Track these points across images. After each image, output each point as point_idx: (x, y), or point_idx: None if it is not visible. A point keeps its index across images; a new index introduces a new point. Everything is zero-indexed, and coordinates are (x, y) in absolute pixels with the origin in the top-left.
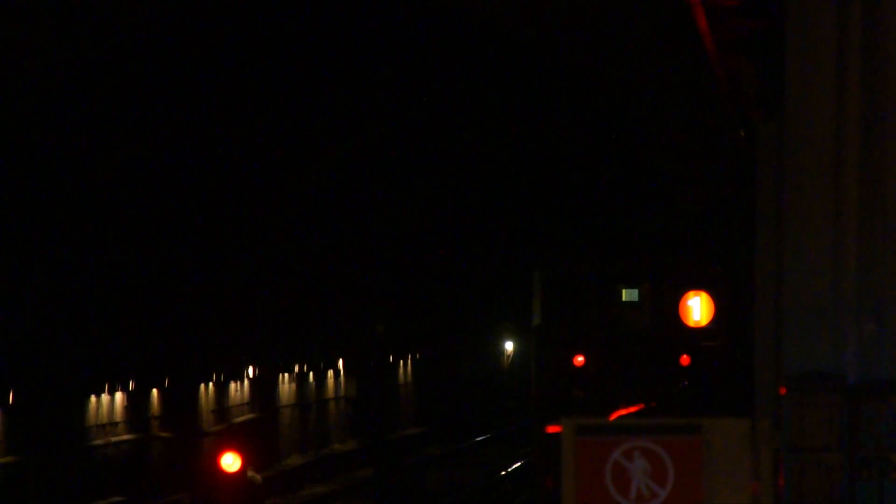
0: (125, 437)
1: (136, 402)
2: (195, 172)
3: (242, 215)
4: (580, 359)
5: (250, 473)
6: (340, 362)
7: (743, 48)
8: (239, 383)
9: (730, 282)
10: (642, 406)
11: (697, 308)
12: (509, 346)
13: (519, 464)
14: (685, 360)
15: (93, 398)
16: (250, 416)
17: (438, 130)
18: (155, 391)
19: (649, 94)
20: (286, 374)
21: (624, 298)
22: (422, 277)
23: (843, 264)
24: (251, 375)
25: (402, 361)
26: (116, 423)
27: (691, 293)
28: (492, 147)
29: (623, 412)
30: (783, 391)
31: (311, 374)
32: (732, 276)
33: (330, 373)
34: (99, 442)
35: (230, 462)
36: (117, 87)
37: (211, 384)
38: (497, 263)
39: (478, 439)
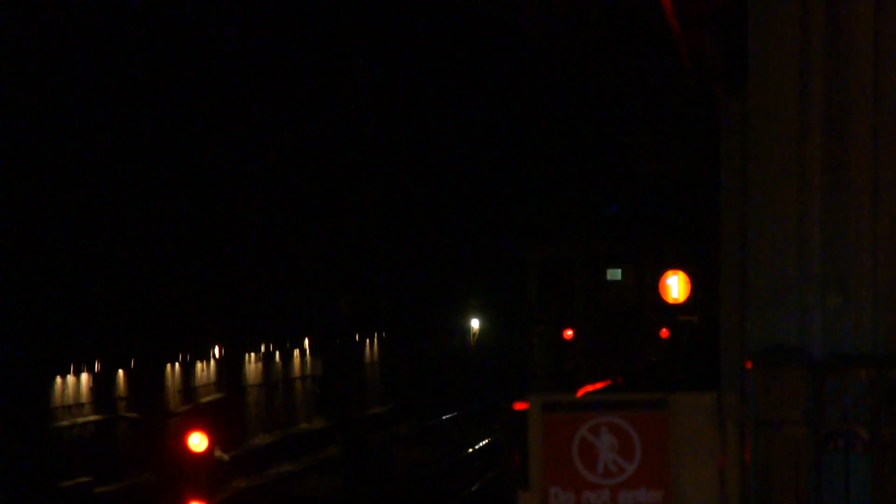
0: (91, 417)
1: (102, 383)
2: (159, 149)
3: (208, 194)
4: (569, 332)
5: (218, 453)
6: (306, 341)
7: (706, 23)
8: (205, 363)
9: (702, 260)
10: (609, 382)
11: (675, 286)
12: (475, 323)
13: (486, 441)
14: (664, 333)
15: (58, 379)
16: (217, 395)
17: (403, 108)
18: (121, 372)
19: (612, 70)
20: (252, 354)
21: (608, 278)
22: (387, 256)
23: (807, 238)
24: (217, 355)
25: (368, 340)
26: (82, 404)
27: (670, 272)
28: (460, 127)
29: (590, 388)
30: (749, 365)
31: (277, 353)
32: (702, 254)
33: (296, 352)
34: (65, 423)
35: (197, 442)
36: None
37: (177, 364)
38: (463, 242)
39: (444, 417)
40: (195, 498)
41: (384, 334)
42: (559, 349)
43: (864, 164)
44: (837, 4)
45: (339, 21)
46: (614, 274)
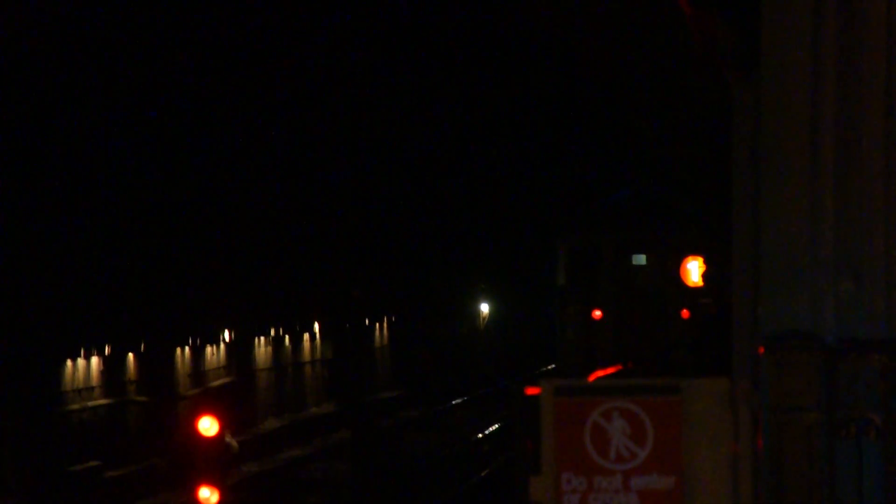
0: (101, 401)
1: (113, 367)
2: (168, 136)
3: (218, 179)
4: (597, 313)
5: (227, 438)
6: (316, 325)
7: (719, 8)
8: (215, 347)
9: (718, 246)
10: (620, 367)
11: (695, 270)
12: (485, 308)
13: (496, 426)
14: (685, 313)
15: (69, 363)
16: (227, 379)
17: (414, 98)
18: (131, 355)
19: (625, 55)
20: (262, 338)
21: (633, 263)
22: (398, 240)
23: (820, 224)
24: (227, 339)
25: (378, 324)
26: (93, 388)
27: (690, 258)
28: (472, 116)
29: (601, 373)
30: (761, 351)
31: (286, 337)
32: (718, 240)
33: (306, 336)
34: (75, 407)
35: (207, 426)
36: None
37: (187, 348)
38: (474, 227)
39: (454, 402)
40: (205, 482)
41: (394, 318)
42: (588, 328)
43: (877, 150)
44: None
45: (352, 12)
46: (639, 259)
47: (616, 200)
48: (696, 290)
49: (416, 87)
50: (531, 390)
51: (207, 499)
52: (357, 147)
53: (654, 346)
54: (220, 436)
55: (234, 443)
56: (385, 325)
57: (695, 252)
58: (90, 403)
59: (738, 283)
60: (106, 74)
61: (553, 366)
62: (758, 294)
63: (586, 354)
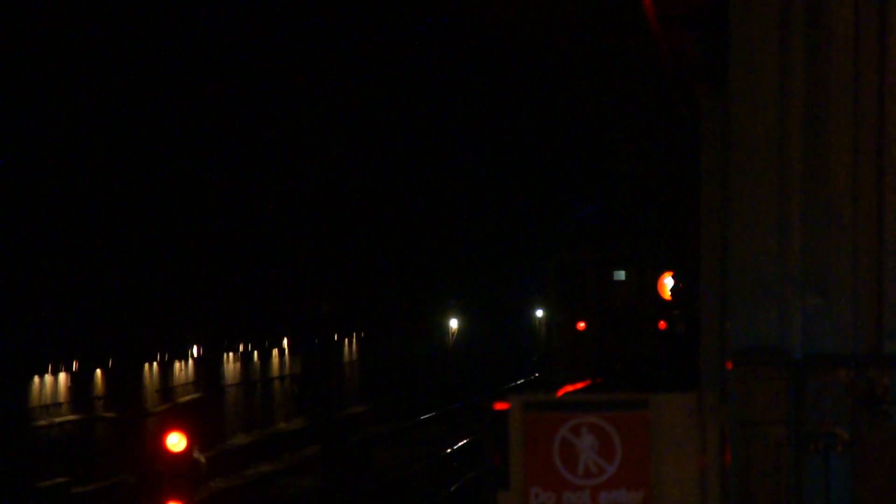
0: (69, 417)
1: (80, 383)
2: (136, 150)
3: (188, 194)
4: (582, 324)
5: (195, 454)
6: (285, 341)
7: (687, 23)
8: (183, 363)
9: (688, 262)
10: (589, 382)
11: (671, 285)
12: (454, 323)
13: (465, 441)
14: (662, 324)
15: (36, 379)
16: (195, 395)
17: (383, 114)
18: (99, 371)
19: (595, 70)
20: (231, 353)
21: (614, 278)
22: (367, 256)
23: (787, 239)
24: (195, 355)
25: (347, 340)
26: (60, 404)
27: (666, 273)
28: (443, 135)
29: (570, 388)
30: (729, 365)
31: (255, 352)
32: (688, 255)
33: (275, 351)
34: (43, 423)
35: (175, 442)
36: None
37: (155, 364)
38: (443, 243)
39: (423, 417)
40: (173, 498)
41: (363, 334)
42: (574, 338)
43: (845, 165)
44: (818, 4)
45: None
46: (619, 275)
47: (597, 220)
48: (671, 303)
49: (387, 103)
50: (500, 405)
51: None
52: (328, 163)
53: (633, 353)
54: (188, 451)
55: (202, 458)
56: (354, 340)
57: (671, 268)
58: (58, 419)
59: (706, 297)
60: (76, 90)
61: (522, 380)
62: (725, 308)
63: (571, 362)
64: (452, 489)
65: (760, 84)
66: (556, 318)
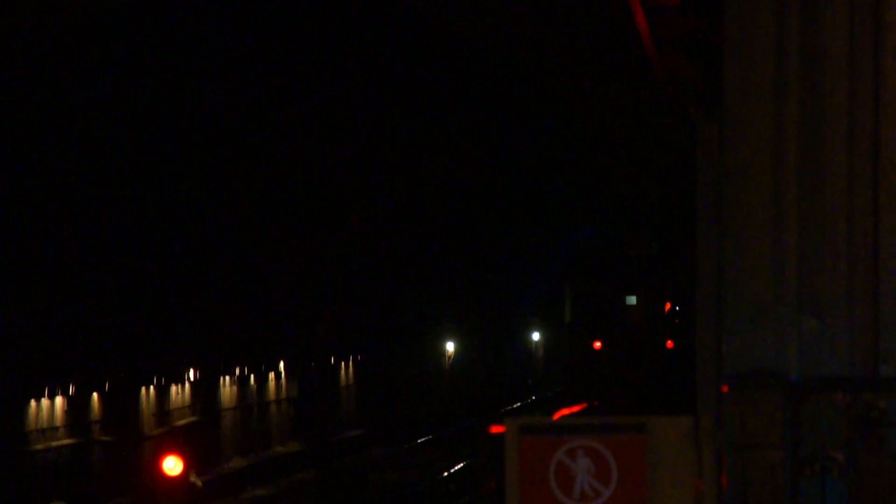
0: (66, 441)
1: (77, 407)
2: (134, 171)
3: (184, 218)
4: (598, 344)
5: (192, 477)
6: (281, 364)
7: (683, 47)
8: (180, 386)
9: (682, 288)
10: (585, 405)
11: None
12: (450, 346)
13: (461, 465)
14: (670, 344)
15: (33, 402)
16: (191, 419)
17: (378, 134)
18: (95, 395)
19: (591, 95)
20: (227, 377)
21: (626, 302)
22: (363, 279)
23: (783, 261)
24: (192, 378)
25: (343, 363)
26: (57, 428)
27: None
28: (432, 155)
29: (566, 411)
30: (725, 389)
31: (252, 376)
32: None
33: (271, 375)
34: (39, 447)
35: (172, 465)
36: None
37: (152, 387)
38: (439, 266)
39: (420, 440)
40: None
41: (359, 357)
42: (590, 355)
43: (840, 188)
44: (813, 28)
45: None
46: (631, 299)
47: (610, 250)
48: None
49: (383, 122)
50: (496, 429)
51: None
52: (325, 186)
53: (642, 369)
54: (184, 475)
55: (198, 482)
56: (351, 363)
57: (667, 291)
58: (54, 443)
59: (701, 320)
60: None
61: (519, 403)
62: (721, 331)
63: (587, 378)
64: None
65: (755, 108)
66: (573, 338)
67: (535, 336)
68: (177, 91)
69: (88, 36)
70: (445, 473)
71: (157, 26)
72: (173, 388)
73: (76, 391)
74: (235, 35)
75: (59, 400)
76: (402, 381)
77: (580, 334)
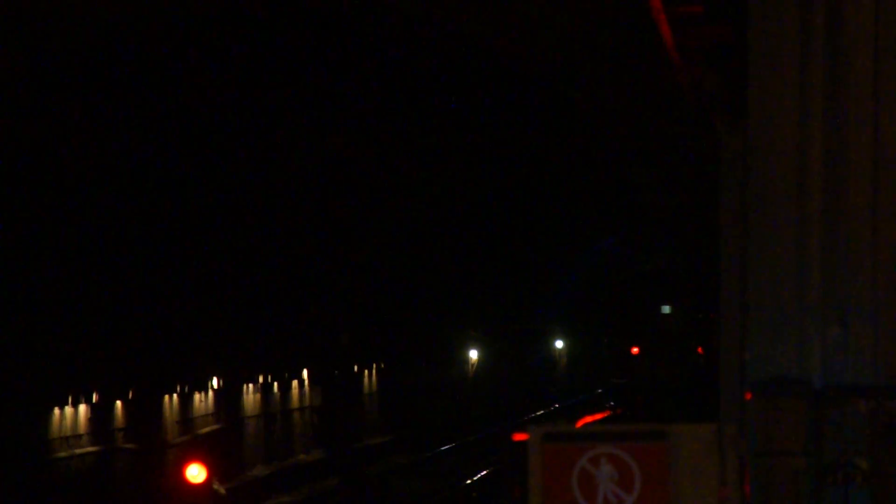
0: (89, 449)
1: (101, 414)
2: (154, 180)
3: (206, 226)
4: (635, 350)
5: (215, 485)
6: (305, 372)
7: (707, 56)
8: (203, 394)
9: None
10: (608, 413)
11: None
12: (473, 354)
13: (484, 472)
14: (700, 350)
15: (56, 410)
16: (215, 426)
17: (400, 140)
18: (119, 403)
19: (614, 103)
20: (250, 385)
21: (662, 312)
22: (386, 287)
23: (807, 269)
24: (215, 386)
25: (366, 371)
26: (80, 436)
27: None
28: (454, 161)
29: (589, 419)
30: (748, 396)
31: (275, 384)
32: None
33: (294, 383)
34: (63, 454)
35: (195, 473)
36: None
37: (175, 395)
38: (462, 274)
39: (443, 448)
40: None
41: (383, 365)
42: (629, 360)
43: (864, 197)
44: (837, 38)
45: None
46: (665, 309)
47: (649, 268)
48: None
49: (402, 129)
50: (519, 436)
51: None
52: (348, 195)
53: (676, 373)
54: (207, 483)
55: (221, 490)
56: (374, 371)
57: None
58: (77, 451)
59: (725, 328)
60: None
61: (551, 409)
62: (745, 339)
63: (629, 378)
64: None
65: (779, 116)
66: (617, 344)
67: (559, 344)
68: (198, 101)
69: (87, 36)
70: (468, 481)
71: (156, 26)
72: (196, 396)
73: (99, 399)
74: (246, 38)
75: (82, 408)
76: (424, 389)
77: (621, 341)
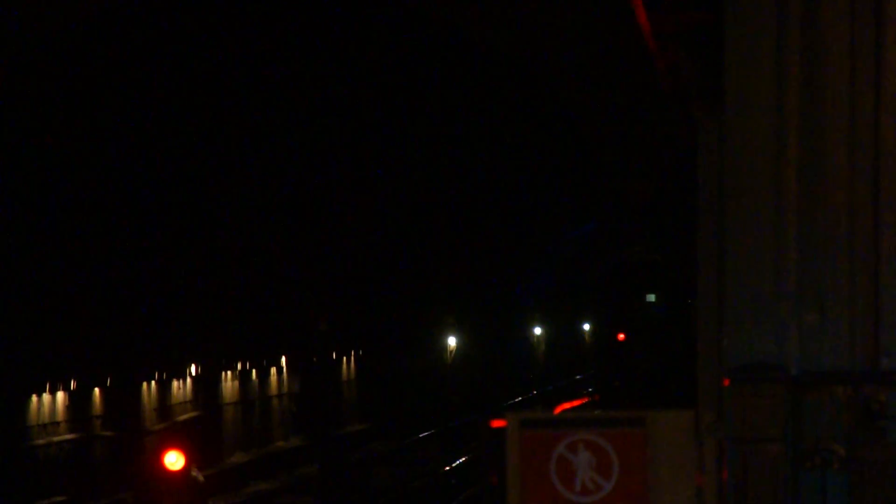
0: (67, 436)
1: (79, 402)
2: (133, 169)
3: (185, 213)
4: (622, 336)
5: (193, 472)
6: (283, 359)
7: (683, 41)
8: (181, 381)
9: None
10: (586, 399)
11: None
12: (452, 341)
13: (463, 459)
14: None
15: (34, 398)
16: (193, 413)
17: (378, 128)
18: (97, 390)
19: (591, 89)
20: (229, 372)
21: (647, 300)
22: (365, 273)
23: (784, 255)
24: (194, 373)
25: (345, 358)
26: (58, 423)
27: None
28: (433, 150)
29: (567, 405)
30: (726, 383)
31: (253, 371)
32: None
33: (273, 370)
34: (41, 441)
35: (173, 460)
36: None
37: (153, 382)
38: (440, 260)
39: (422, 435)
40: None
41: (361, 352)
42: (616, 346)
43: (841, 182)
44: (813, 22)
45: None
46: (650, 297)
47: (635, 259)
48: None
49: (379, 117)
50: (497, 423)
51: None
52: (327, 182)
53: (659, 357)
54: (186, 470)
55: (200, 477)
56: (353, 358)
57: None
58: (56, 438)
59: (703, 315)
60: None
61: (529, 395)
62: (722, 325)
63: (615, 364)
64: None
65: (755, 102)
66: (604, 331)
67: (537, 330)
68: (172, 90)
69: (88, 35)
70: (447, 468)
71: (157, 26)
72: (175, 383)
73: (77, 386)
74: (234, 33)
75: (60, 395)
76: (403, 376)
77: (609, 328)
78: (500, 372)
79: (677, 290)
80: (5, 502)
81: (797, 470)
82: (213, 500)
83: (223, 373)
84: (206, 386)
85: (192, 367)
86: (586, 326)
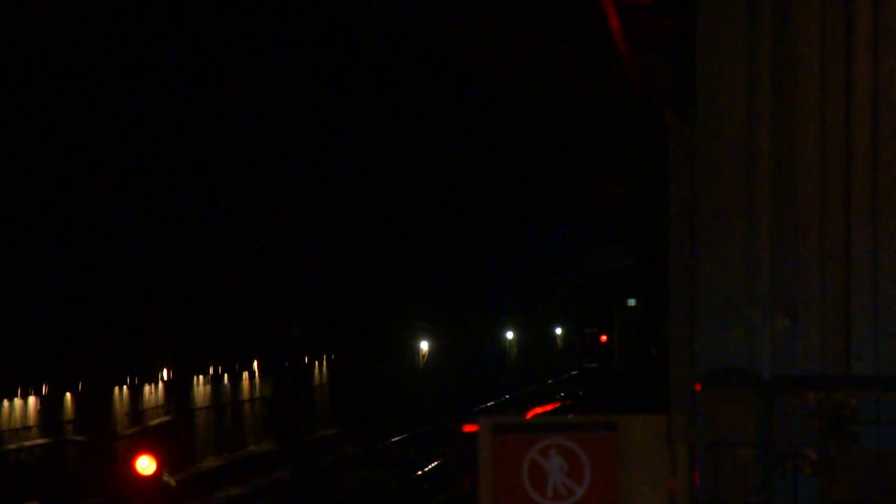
0: (39, 441)
1: (50, 406)
2: (106, 171)
3: (156, 216)
4: (604, 338)
5: (165, 477)
6: (255, 363)
7: (656, 47)
8: (153, 386)
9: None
10: (558, 404)
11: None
12: (424, 345)
13: (435, 463)
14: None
15: (5, 402)
16: (165, 418)
17: (353, 134)
18: (69, 395)
19: (562, 93)
20: (201, 376)
21: (628, 304)
22: (337, 278)
23: (755, 260)
24: (165, 378)
25: (317, 362)
26: (30, 428)
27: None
28: (407, 153)
29: (539, 410)
30: (698, 387)
31: (225, 375)
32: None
33: (245, 374)
34: (12, 446)
35: (145, 465)
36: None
37: (125, 387)
38: (413, 265)
39: (394, 439)
40: None
41: (333, 356)
42: (599, 346)
43: (812, 187)
44: (785, 30)
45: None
46: (631, 301)
47: (618, 266)
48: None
49: (352, 121)
50: (469, 428)
51: None
52: (300, 186)
53: (639, 357)
54: (157, 475)
55: (172, 481)
56: (325, 362)
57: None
58: (27, 443)
59: (675, 320)
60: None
61: (493, 402)
62: (694, 330)
63: (598, 362)
64: None
65: (727, 108)
66: (589, 332)
67: (509, 335)
68: (153, 92)
69: (88, 35)
70: (419, 472)
71: (157, 25)
72: (146, 388)
73: (49, 391)
74: (230, 38)
75: (31, 400)
76: (376, 380)
77: (591, 330)
78: (472, 376)
79: (656, 294)
80: None
81: (769, 474)
82: None
83: (195, 377)
84: (178, 390)
85: (164, 372)
86: (558, 331)
